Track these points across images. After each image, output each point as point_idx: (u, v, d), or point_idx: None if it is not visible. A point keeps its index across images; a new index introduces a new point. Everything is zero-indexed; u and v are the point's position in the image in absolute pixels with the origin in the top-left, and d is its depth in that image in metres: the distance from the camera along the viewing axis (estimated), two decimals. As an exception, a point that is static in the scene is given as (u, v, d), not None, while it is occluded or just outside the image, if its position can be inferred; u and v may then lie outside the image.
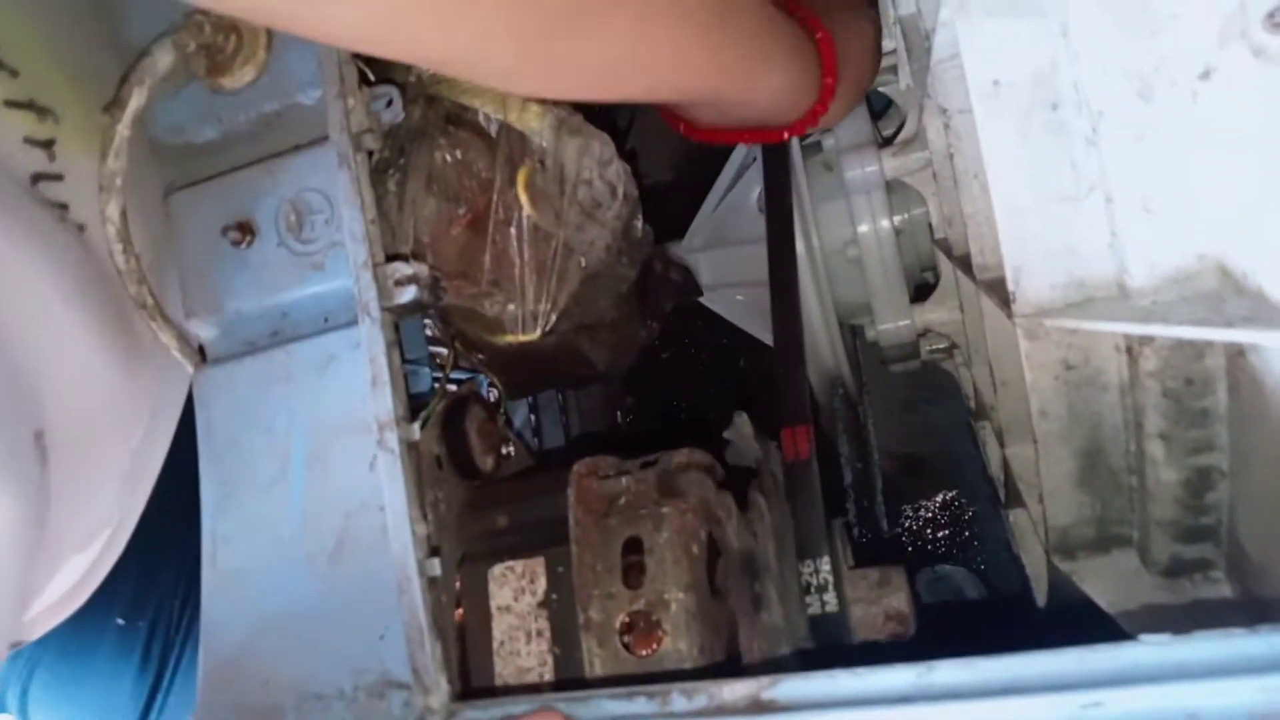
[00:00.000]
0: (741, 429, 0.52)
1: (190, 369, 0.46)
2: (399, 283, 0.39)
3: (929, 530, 0.85)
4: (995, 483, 0.61)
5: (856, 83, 0.52)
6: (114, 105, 0.42)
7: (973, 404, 0.62)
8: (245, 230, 0.43)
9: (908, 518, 0.87)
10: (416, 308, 0.40)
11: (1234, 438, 0.36)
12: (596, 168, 0.61)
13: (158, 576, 0.62)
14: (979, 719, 0.28)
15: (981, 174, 0.45)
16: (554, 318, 0.57)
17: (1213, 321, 0.33)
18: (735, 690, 0.31)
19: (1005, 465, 0.50)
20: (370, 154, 0.42)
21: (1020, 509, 0.54)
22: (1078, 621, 0.47)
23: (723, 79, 0.42)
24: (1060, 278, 0.37)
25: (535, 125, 0.57)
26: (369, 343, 0.37)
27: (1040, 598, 0.53)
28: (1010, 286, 0.38)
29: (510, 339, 0.56)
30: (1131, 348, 0.37)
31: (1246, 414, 0.35)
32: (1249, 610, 0.39)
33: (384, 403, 0.37)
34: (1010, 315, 0.39)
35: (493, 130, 0.56)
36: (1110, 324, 0.36)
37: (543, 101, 0.57)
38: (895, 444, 0.87)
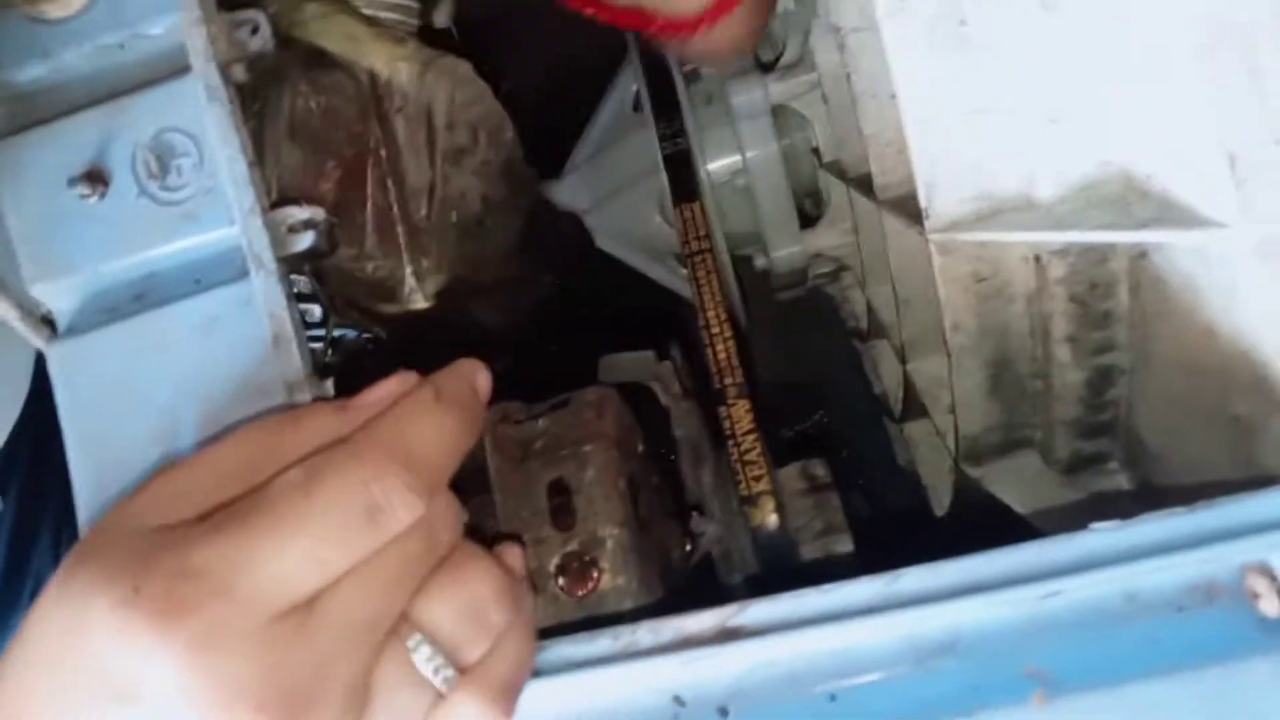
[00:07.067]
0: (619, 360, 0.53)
1: (39, 343, 0.40)
2: (293, 229, 0.35)
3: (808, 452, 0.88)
4: (884, 400, 0.64)
5: None
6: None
7: (862, 325, 0.63)
8: (96, 180, 0.37)
9: (789, 440, 0.89)
10: (313, 256, 0.36)
11: (1134, 336, 0.39)
12: (462, 110, 0.57)
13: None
14: (947, 621, 0.29)
15: (881, 93, 0.45)
16: (441, 280, 0.54)
17: (1122, 225, 0.34)
18: (702, 621, 0.31)
19: (906, 382, 0.52)
20: (239, 88, 0.37)
21: (917, 422, 0.56)
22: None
23: None
24: (970, 191, 0.38)
25: (401, 67, 0.53)
26: (267, 298, 0.34)
27: (938, 507, 0.56)
28: (923, 203, 0.38)
29: (396, 308, 0.53)
30: (1040, 256, 0.38)
31: (1148, 312, 0.37)
32: (1144, 497, 0.42)
33: (291, 361, 0.33)
34: (922, 232, 0.39)
35: (356, 75, 0.52)
36: (1021, 234, 0.37)
37: (404, 41, 0.53)
38: (775, 371, 0.89)
